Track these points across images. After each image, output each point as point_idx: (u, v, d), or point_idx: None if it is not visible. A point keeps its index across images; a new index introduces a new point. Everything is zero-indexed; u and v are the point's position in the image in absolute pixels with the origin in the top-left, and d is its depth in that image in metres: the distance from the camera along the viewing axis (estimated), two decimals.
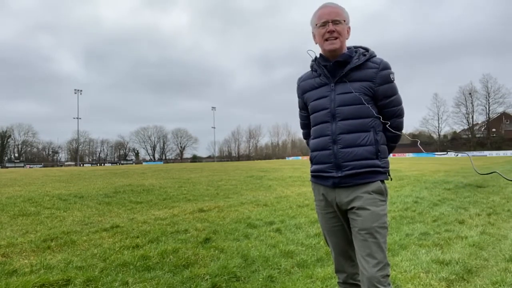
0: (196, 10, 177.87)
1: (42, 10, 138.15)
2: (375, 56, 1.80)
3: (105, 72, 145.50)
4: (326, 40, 1.75)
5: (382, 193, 1.72)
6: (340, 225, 1.81)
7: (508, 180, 1.50)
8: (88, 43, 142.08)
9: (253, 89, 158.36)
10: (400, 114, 1.81)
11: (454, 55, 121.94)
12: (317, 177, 1.86)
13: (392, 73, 1.76)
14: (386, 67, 1.75)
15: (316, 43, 1.84)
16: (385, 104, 1.76)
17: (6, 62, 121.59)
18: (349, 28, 1.81)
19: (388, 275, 1.64)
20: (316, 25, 1.79)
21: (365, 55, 1.78)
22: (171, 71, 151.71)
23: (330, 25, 1.73)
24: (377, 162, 1.71)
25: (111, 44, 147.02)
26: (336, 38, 1.74)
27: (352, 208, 1.70)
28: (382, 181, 1.74)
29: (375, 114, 1.73)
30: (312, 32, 1.85)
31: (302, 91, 1.94)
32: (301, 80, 1.97)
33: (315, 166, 1.85)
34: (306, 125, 2.04)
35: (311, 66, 1.90)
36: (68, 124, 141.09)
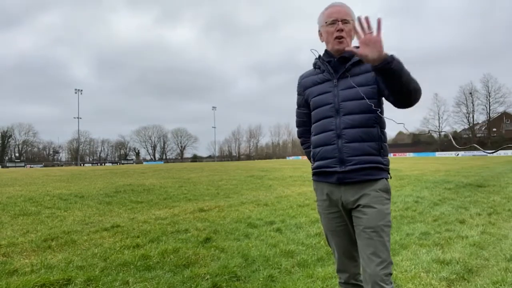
0: (201, 26, 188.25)
1: (62, 25, 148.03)
2: None
3: (113, 79, 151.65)
4: (336, 38, 1.76)
5: (388, 191, 1.73)
6: (344, 225, 1.80)
7: (486, 152, 1.50)
8: (101, 53, 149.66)
9: (253, 92, 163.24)
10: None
11: (437, 63, 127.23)
12: (320, 174, 1.84)
13: None
14: None
15: (323, 41, 1.85)
16: None
17: (23, 69, 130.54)
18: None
19: (391, 274, 1.63)
20: (326, 23, 1.79)
21: None
22: (176, 77, 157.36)
23: (340, 24, 1.74)
24: (379, 158, 1.71)
25: (122, 55, 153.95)
26: (344, 38, 1.75)
27: (358, 206, 1.69)
28: (387, 179, 1.75)
29: (374, 108, 1.70)
30: (319, 30, 1.86)
31: (304, 88, 1.93)
32: (303, 77, 1.96)
33: (318, 162, 1.83)
34: (303, 122, 2.03)
35: (314, 64, 1.91)
36: (72, 125, 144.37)
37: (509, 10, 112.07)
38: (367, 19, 1.47)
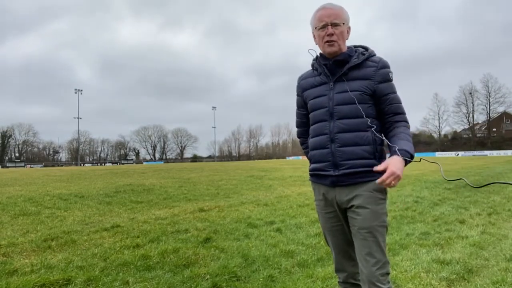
0: (202, 30, 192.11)
1: (69, 31, 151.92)
2: (374, 55, 1.79)
3: (114, 80, 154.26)
4: (326, 42, 1.74)
5: (382, 191, 1.72)
6: (340, 225, 1.81)
7: (473, 187, 1.51)
8: (103, 55, 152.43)
9: (253, 92, 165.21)
10: (403, 112, 1.78)
11: (434, 66, 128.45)
12: (316, 176, 1.86)
13: (391, 72, 1.76)
14: (385, 65, 1.75)
15: (316, 44, 1.84)
16: (386, 100, 1.74)
17: (26, 71, 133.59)
18: (349, 28, 1.80)
19: (388, 273, 1.64)
20: (316, 28, 1.78)
21: (364, 54, 1.78)
22: (176, 78, 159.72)
23: (329, 28, 1.72)
24: (374, 162, 1.70)
25: (124, 58, 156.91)
26: (335, 41, 1.73)
27: (352, 206, 1.70)
28: None
29: (364, 115, 1.71)
30: (312, 33, 1.85)
31: (302, 89, 1.93)
32: (302, 79, 1.96)
33: (313, 165, 1.86)
34: (302, 123, 2.03)
35: (312, 65, 1.90)
36: (72, 125, 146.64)
37: (506, 11, 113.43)
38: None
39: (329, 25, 1.72)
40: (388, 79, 1.74)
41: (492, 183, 1.73)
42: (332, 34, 1.72)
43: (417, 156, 1.78)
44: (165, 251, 3.68)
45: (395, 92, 1.77)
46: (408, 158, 1.55)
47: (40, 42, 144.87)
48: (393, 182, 1.45)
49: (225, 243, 4.05)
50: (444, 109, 77.14)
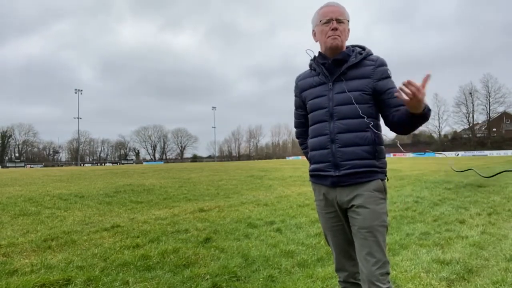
0: (202, 32, 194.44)
1: (71, 32, 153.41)
2: (371, 54, 1.80)
3: (115, 80, 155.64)
4: (329, 37, 1.74)
5: (382, 191, 1.72)
6: (340, 225, 1.81)
7: (483, 177, 1.52)
8: (104, 56, 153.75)
9: (253, 93, 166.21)
10: None
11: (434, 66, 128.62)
12: (316, 177, 1.86)
13: (389, 69, 1.77)
14: (383, 63, 1.75)
15: (316, 41, 1.84)
16: (388, 94, 1.73)
17: (27, 71, 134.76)
18: (348, 29, 1.82)
19: (388, 273, 1.64)
20: (320, 21, 1.78)
21: (361, 53, 1.78)
22: (176, 79, 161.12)
23: (334, 22, 1.73)
24: (374, 162, 1.71)
25: (125, 58, 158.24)
26: (338, 36, 1.74)
27: (352, 206, 1.70)
28: (382, 180, 1.74)
29: (361, 115, 1.70)
30: (313, 30, 1.85)
31: (300, 90, 1.93)
32: (299, 79, 1.96)
33: (313, 166, 1.86)
34: (301, 123, 2.03)
35: (310, 65, 1.90)
36: (72, 125, 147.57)
37: (506, 11, 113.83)
38: (427, 77, 1.49)
39: (334, 20, 1.73)
40: (387, 76, 1.75)
41: (504, 171, 1.72)
42: (336, 29, 1.73)
43: (419, 155, 1.76)
44: (165, 251, 3.68)
45: (395, 87, 1.76)
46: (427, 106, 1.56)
47: (41, 43, 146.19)
48: (416, 94, 1.45)
49: (225, 243, 4.05)
50: (444, 109, 77.59)
